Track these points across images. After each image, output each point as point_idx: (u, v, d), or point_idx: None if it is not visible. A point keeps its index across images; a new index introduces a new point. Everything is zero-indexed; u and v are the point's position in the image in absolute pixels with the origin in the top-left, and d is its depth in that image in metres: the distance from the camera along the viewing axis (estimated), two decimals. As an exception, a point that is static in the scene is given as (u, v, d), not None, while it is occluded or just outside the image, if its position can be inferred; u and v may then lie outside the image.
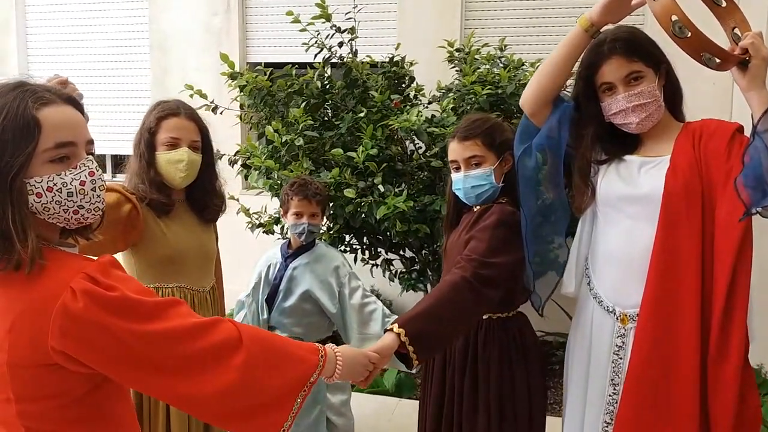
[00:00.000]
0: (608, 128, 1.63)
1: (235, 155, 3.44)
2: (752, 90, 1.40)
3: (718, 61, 1.39)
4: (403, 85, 3.66)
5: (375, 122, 3.13)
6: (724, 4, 1.50)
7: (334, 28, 3.36)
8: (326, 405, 2.37)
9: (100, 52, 5.09)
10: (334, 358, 1.25)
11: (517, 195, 1.71)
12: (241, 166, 3.45)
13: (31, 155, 0.97)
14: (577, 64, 1.66)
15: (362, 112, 3.22)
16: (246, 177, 3.46)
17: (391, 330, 1.47)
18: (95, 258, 1.05)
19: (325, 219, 3.38)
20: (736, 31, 1.48)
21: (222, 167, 3.36)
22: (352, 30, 3.41)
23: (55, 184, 0.99)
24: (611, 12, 1.54)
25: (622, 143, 1.63)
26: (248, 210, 3.49)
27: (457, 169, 1.78)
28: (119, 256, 1.88)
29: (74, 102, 1.06)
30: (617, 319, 1.58)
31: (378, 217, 2.83)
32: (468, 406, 1.77)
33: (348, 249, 3.58)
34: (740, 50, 1.42)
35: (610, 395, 1.59)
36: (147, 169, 1.85)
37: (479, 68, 3.43)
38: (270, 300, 2.33)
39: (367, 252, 3.60)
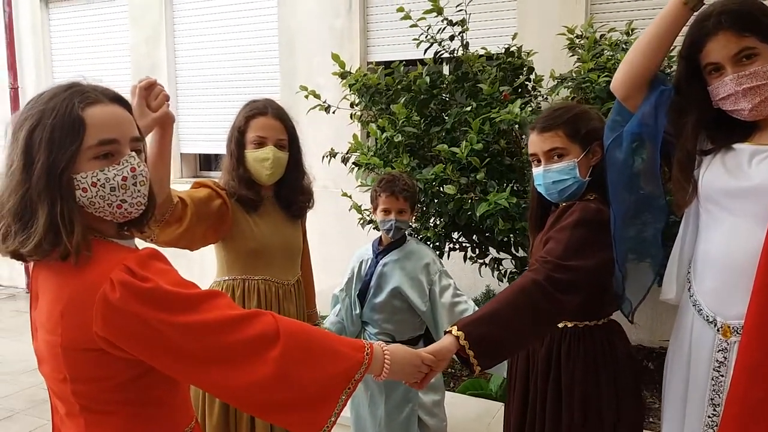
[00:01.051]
0: (715, 114, 1.42)
1: (347, 153, 3.51)
2: None
3: None
4: (521, 76, 3.51)
5: (483, 116, 3.03)
6: None
7: (445, 22, 3.30)
8: (418, 404, 2.34)
9: (237, 57, 5.47)
10: (382, 357, 1.23)
11: (607, 190, 1.54)
12: (353, 163, 3.51)
13: (77, 152, 1.04)
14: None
15: (469, 106, 3.13)
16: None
17: (450, 332, 1.40)
18: (137, 250, 1.10)
19: (432, 218, 3.37)
20: None
21: (336, 165, 3.50)
22: (462, 22, 3.33)
23: (98, 180, 1.05)
24: None
25: (732, 130, 1.40)
26: (360, 207, 3.54)
27: (538, 162, 1.64)
28: (210, 249, 2.00)
29: (122, 101, 1.12)
30: (718, 330, 1.37)
31: (479, 214, 2.73)
32: (551, 418, 1.64)
33: (457, 247, 3.51)
34: None
35: (709, 416, 1.38)
36: (236, 167, 1.94)
37: (601, 55, 3.19)
38: (362, 296, 2.34)
39: (477, 250, 3.50)
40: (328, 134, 4.24)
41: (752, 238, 1.30)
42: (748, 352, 1.29)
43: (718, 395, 1.37)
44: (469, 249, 3.50)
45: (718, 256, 1.38)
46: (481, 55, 3.43)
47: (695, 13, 1.40)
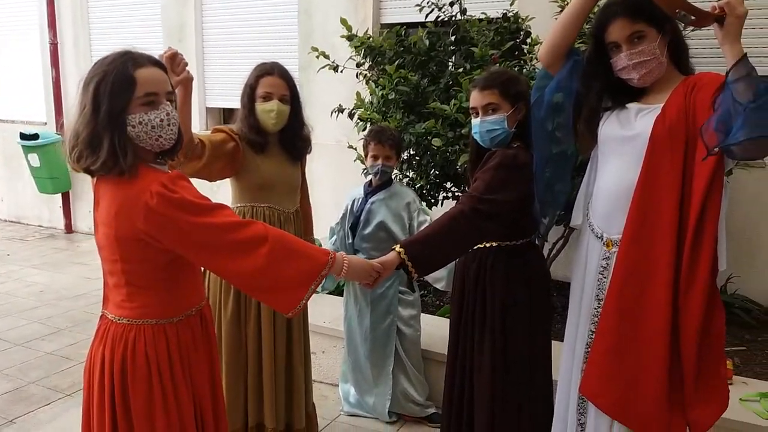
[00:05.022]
0: (616, 80, 1.79)
1: (352, 110, 3.90)
2: (726, 44, 1.52)
3: (692, 18, 1.53)
4: (517, 40, 3.82)
5: (471, 77, 3.38)
6: None
7: (446, -12, 3.64)
8: (397, 316, 2.81)
9: (259, 18, 5.83)
10: (342, 262, 1.66)
11: (529, 139, 1.94)
12: (358, 118, 3.91)
13: (129, 100, 1.47)
14: None
15: (462, 68, 3.49)
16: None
17: (395, 249, 1.83)
18: (169, 172, 1.54)
19: (426, 168, 3.75)
20: None
21: (346, 120, 3.88)
22: (461, -10, 3.67)
23: (143, 120, 1.49)
24: None
25: (629, 93, 1.79)
26: (363, 158, 3.95)
27: (476, 115, 2.04)
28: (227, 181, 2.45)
29: (160, 64, 1.55)
30: (604, 244, 1.79)
31: (459, 164, 3.13)
32: (478, 323, 2.09)
33: (450, 196, 3.91)
34: (718, 9, 1.53)
35: (594, 308, 1.82)
36: (248, 116, 2.38)
37: (587, 22, 3.49)
38: (353, 228, 2.79)
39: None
40: (342, 92, 4.62)
41: (631, 174, 1.70)
42: (623, 260, 1.71)
43: (602, 292, 1.80)
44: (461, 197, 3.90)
45: (607, 187, 1.79)
46: (481, 20, 3.74)
47: (601, 1, 1.77)
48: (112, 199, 1.50)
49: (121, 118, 1.47)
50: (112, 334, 1.58)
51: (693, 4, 1.54)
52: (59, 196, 7.14)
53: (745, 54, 1.48)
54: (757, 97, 1.41)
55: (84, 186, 7.05)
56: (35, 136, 6.75)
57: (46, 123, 7.18)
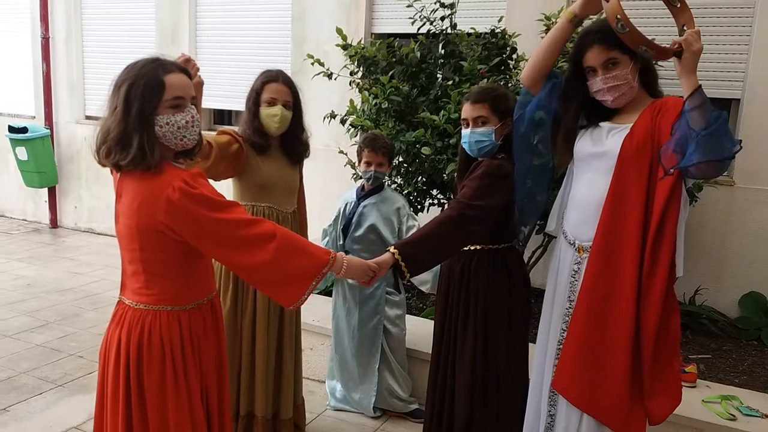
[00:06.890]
0: (591, 101, 1.98)
1: (344, 116, 4.05)
2: (683, 76, 1.71)
3: (652, 52, 1.72)
4: (504, 56, 4.00)
5: (460, 89, 3.56)
6: (678, 5, 1.79)
7: (437, 3, 3.81)
8: (384, 316, 2.96)
9: (252, 23, 5.96)
10: (342, 261, 1.79)
11: (512, 152, 2.12)
12: (350, 124, 4.06)
13: (159, 103, 1.60)
14: None
15: (451, 80, 3.66)
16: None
17: (389, 250, 1.98)
18: (189, 170, 1.68)
19: (414, 176, 3.91)
20: (685, 27, 1.77)
21: (339, 127, 4.03)
22: (452, 5, 3.85)
23: (170, 121, 1.63)
24: (588, 6, 1.90)
25: (603, 112, 1.98)
26: (354, 163, 4.10)
27: (467, 126, 2.22)
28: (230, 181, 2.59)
29: (185, 71, 1.69)
30: (576, 250, 1.97)
31: (447, 173, 3.30)
32: (461, 318, 2.26)
33: (435, 203, 4.07)
34: (677, 45, 1.72)
35: (566, 308, 2.00)
36: (252, 120, 2.52)
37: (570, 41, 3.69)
38: (345, 230, 2.94)
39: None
40: (334, 98, 4.75)
41: (601, 187, 1.89)
42: (593, 264, 1.89)
43: (573, 293, 1.98)
44: (446, 205, 4.07)
45: (579, 198, 1.98)
46: (470, 34, 3.92)
47: (580, 29, 1.96)
48: (136, 193, 1.63)
49: (150, 118, 1.60)
50: (129, 319, 1.70)
51: (653, 41, 1.75)
52: (45, 191, 7.17)
53: (700, 85, 1.67)
54: (708, 125, 1.62)
55: (71, 182, 7.09)
56: (24, 130, 6.78)
57: (34, 117, 7.21)
